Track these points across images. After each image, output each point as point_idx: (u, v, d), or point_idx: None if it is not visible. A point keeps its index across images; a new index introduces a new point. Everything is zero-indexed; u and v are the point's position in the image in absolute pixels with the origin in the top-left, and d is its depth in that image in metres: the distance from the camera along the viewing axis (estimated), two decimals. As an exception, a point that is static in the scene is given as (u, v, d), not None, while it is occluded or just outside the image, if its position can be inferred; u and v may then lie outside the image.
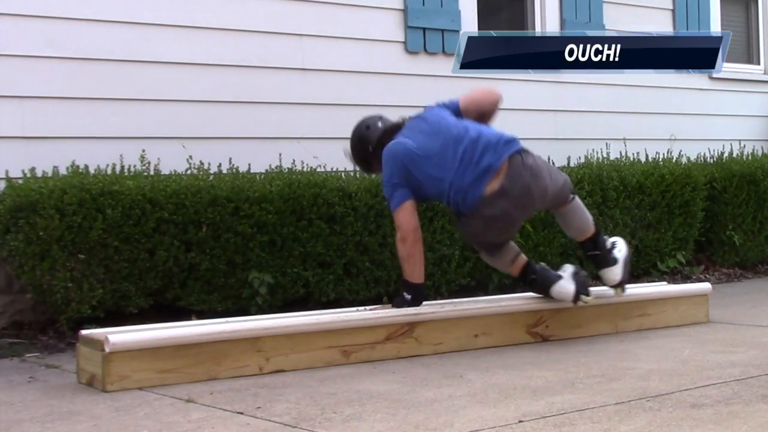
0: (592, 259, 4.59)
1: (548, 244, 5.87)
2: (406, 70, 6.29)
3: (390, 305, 4.37)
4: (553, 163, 6.44)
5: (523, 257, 4.50)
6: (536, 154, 4.33)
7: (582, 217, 4.51)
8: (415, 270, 4.24)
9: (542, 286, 4.44)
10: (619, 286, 4.62)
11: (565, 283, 4.39)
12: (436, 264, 5.46)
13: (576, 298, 4.38)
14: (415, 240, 4.22)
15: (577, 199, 4.50)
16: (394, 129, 4.45)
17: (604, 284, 4.64)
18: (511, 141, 4.25)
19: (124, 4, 5.22)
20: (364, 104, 6.05)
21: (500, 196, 4.15)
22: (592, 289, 4.54)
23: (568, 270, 4.45)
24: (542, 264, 4.59)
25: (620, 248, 4.61)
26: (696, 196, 6.64)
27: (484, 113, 4.52)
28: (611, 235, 5.25)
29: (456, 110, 4.45)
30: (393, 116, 6.15)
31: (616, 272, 4.56)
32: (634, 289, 4.76)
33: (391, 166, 4.27)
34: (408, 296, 4.23)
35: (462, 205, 4.23)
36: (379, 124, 4.49)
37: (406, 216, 4.23)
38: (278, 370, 3.81)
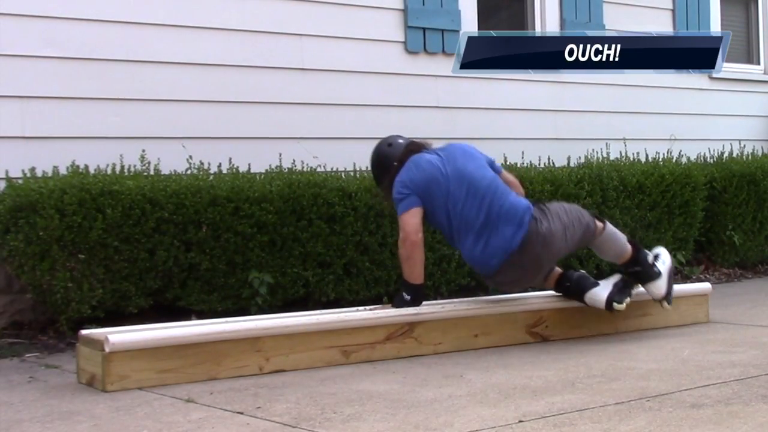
0: (633, 276, 4.54)
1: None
2: (406, 70, 6.29)
3: (390, 305, 4.37)
4: (552, 163, 6.47)
5: (557, 270, 4.49)
6: (553, 208, 4.31)
7: (615, 245, 4.50)
8: (414, 271, 4.24)
9: (575, 293, 4.44)
10: (665, 299, 4.60)
11: (600, 290, 4.38)
12: (436, 264, 5.45)
13: (608, 305, 4.36)
14: (416, 242, 4.22)
15: (608, 230, 4.45)
16: (418, 147, 4.46)
17: (651, 297, 4.61)
18: (525, 212, 4.23)
19: (124, 4, 5.22)
20: (364, 104, 6.07)
21: (509, 266, 4.23)
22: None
23: (611, 279, 4.45)
24: (582, 272, 4.59)
25: (664, 260, 4.60)
26: (696, 196, 6.64)
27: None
28: None
29: (494, 170, 4.45)
30: (393, 116, 6.19)
31: (660, 286, 4.54)
32: (634, 289, 4.76)
33: (414, 175, 4.29)
34: (407, 296, 4.23)
35: (472, 266, 4.43)
36: (400, 141, 4.51)
37: (410, 219, 4.24)
38: (278, 370, 3.81)
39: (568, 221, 4.30)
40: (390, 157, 4.43)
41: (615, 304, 4.34)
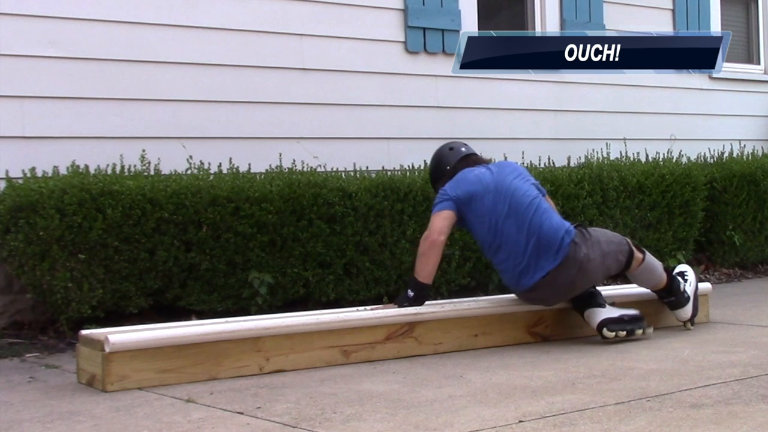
0: (666, 304, 4.64)
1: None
2: (406, 70, 6.28)
3: (390, 305, 4.37)
4: (552, 163, 6.47)
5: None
6: (594, 235, 4.30)
7: (652, 276, 4.53)
8: (425, 269, 4.26)
9: (579, 305, 4.43)
10: (689, 320, 4.68)
11: (601, 311, 4.34)
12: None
13: (599, 327, 4.31)
14: (436, 241, 4.26)
15: (646, 261, 4.46)
16: (476, 160, 4.54)
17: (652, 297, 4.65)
18: (566, 236, 4.24)
19: (124, 4, 5.22)
20: (364, 104, 6.08)
21: (543, 286, 4.26)
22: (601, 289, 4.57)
23: (626, 310, 4.41)
24: (597, 289, 4.48)
25: (690, 279, 4.67)
26: (696, 196, 6.64)
27: None
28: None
29: (539, 189, 4.48)
30: (394, 116, 6.20)
31: (687, 310, 4.65)
32: (634, 289, 4.76)
33: (458, 188, 4.36)
34: (411, 293, 4.24)
35: (504, 280, 4.45)
36: (463, 149, 4.58)
37: (438, 220, 4.32)
38: (278, 370, 3.81)
39: (607, 250, 4.33)
40: (446, 161, 4.55)
41: (605, 330, 4.30)
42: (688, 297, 4.63)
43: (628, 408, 3.04)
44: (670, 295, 4.59)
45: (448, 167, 4.51)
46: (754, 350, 4.06)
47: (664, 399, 3.15)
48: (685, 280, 4.67)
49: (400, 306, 4.22)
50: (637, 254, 4.42)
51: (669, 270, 4.66)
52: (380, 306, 4.49)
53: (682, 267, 4.82)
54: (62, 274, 4.52)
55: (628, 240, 4.49)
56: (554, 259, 4.21)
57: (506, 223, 4.29)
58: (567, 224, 4.32)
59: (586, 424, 2.85)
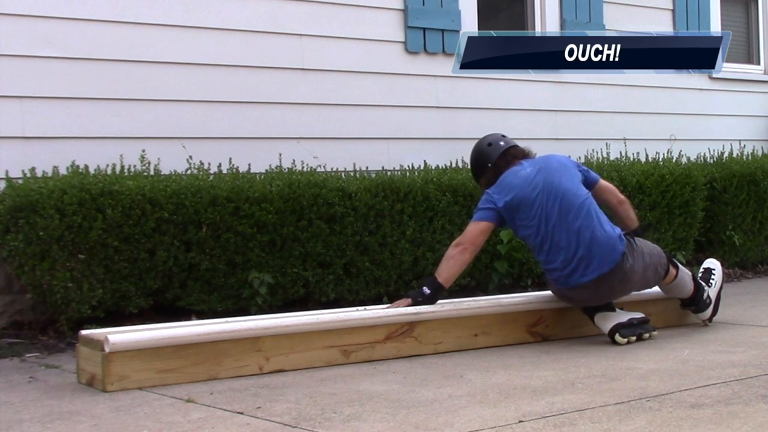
0: (687, 309, 4.70)
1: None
2: (406, 70, 6.29)
3: (403, 300, 4.34)
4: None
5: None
6: (639, 247, 4.30)
7: (681, 290, 4.56)
8: (448, 271, 4.28)
9: (589, 310, 4.42)
10: (708, 320, 4.74)
11: (613, 315, 4.34)
12: (436, 264, 5.41)
13: (611, 333, 4.30)
14: (467, 248, 4.29)
15: (679, 277, 4.47)
16: (516, 154, 4.47)
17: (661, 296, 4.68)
18: (617, 245, 4.23)
19: (124, 4, 5.22)
20: (364, 104, 6.08)
21: (584, 288, 4.26)
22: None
23: (634, 314, 4.41)
24: None
25: (715, 280, 4.69)
26: (696, 196, 6.64)
27: (605, 205, 4.54)
28: None
29: (589, 183, 4.45)
30: (394, 116, 6.20)
31: (706, 313, 4.71)
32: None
33: (506, 193, 4.29)
34: (427, 291, 4.24)
35: (548, 276, 4.39)
36: (501, 143, 4.50)
37: (475, 231, 4.32)
38: (278, 369, 3.81)
39: (649, 262, 4.34)
40: (486, 158, 4.49)
41: (617, 336, 4.28)
42: (710, 302, 4.66)
43: (628, 408, 3.04)
44: (693, 303, 4.64)
45: (489, 164, 4.45)
46: (754, 350, 4.06)
47: (664, 399, 3.15)
48: (710, 283, 4.69)
49: (414, 300, 4.23)
50: (672, 270, 4.44)
51: (696, 281, 4.64)
52: (394, 303, 4.40)
53: (711, 263, 4.82)
54: (62, 274, 4.52)
55: (666, 253, 4.49)
56: (603, 266, 4.19)
57: (556, 227, 4.24)
58: (618, 232, 4.28)
59: (586, 424, 2.85)
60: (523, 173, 4.35)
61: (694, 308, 4.68)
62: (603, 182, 4.59)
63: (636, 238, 4.40)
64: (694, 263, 6.86)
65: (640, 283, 4.37)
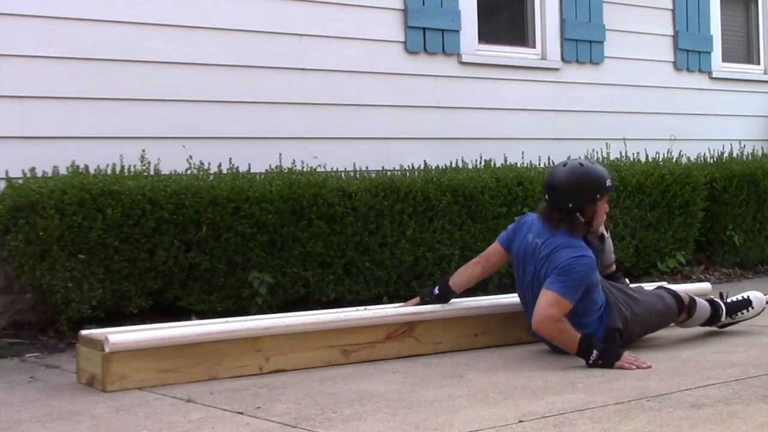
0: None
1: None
2: (406, 70, 6.28)
3: (415, 299, 4.40)
4: (552, 163, 6.46)
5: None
6: (646, 296, 4.27)
7: (697, 322, 4.45)
8: (458, 277, 4.33)
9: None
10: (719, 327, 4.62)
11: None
12: (436, 264, 5.46)
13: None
14: (478, 264, 4.31)
15: (695, 316, 4.39)
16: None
17: None
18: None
19: (124, 4, 5.22)
20: (365, 104, 6.08)
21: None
22: None
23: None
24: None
25: (746, 315, 4.52)
26: (696, 196, 6.64)
27: None
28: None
29: None
30: (393, 116, 6.19)
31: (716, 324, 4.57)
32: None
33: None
34: (436, 291, 4.30)
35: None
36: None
37: (489, 249, 4.33)
38: (278, 369, 3.82)
39: (658, 321, 4.28)
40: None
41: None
42: (723, 324, 4.53)
43: (628, 408, 3.04)
44: (707, 324, 4.50)
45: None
46: (754, 350, 4.06)
47: (664, 399, 3.16)
48: (739, 313, 4.52)
49: (422, 299, 4.31)
50: (683, 316, 4.36)
51: (714, 306, 4.46)
52: (410, 301, 4.41)
53: (756, 298, 4.56)
54: (62, 274, 4.52)
55: (681, 298, 4.34)
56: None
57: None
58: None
59: (586, 424, 2.85)
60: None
61: (706, 324, 4.50)
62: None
63: (620, 303, 4.13)
64: (694, 263, 6.87)
65: (646, 333, 4.30)
